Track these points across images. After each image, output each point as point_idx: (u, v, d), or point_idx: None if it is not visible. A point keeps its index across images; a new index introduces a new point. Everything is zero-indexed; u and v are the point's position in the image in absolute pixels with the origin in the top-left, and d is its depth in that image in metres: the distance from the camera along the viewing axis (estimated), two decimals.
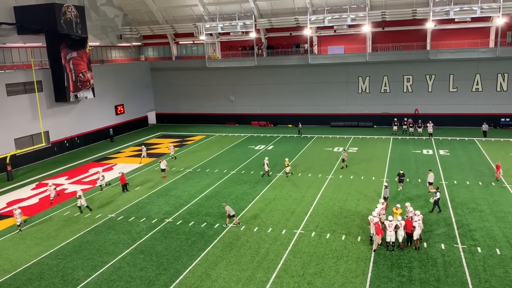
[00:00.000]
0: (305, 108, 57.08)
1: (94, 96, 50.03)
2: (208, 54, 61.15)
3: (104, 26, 57.54)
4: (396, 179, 30.75)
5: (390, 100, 53.90)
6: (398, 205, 23.45)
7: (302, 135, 50.46)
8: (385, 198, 26.73)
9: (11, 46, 43.72)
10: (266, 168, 34.55)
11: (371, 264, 20.08)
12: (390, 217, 21.62)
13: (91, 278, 20.04)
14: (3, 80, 40.68)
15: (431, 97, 52.48)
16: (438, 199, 25.62)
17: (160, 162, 36.58)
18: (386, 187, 27.23)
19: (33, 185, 35.86)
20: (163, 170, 35.78)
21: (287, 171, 34.30)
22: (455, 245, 21.64)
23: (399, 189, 29.83)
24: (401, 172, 30.48)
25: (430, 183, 29.49)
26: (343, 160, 36.35)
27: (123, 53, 63.21)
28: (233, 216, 24.95)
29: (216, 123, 61.30)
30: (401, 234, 21.20)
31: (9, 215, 28.75)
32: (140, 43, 65.39)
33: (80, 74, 47.58)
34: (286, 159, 35.46)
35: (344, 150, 39.15)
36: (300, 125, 51.82)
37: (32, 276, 20.49)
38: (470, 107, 51.53)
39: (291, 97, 57.54)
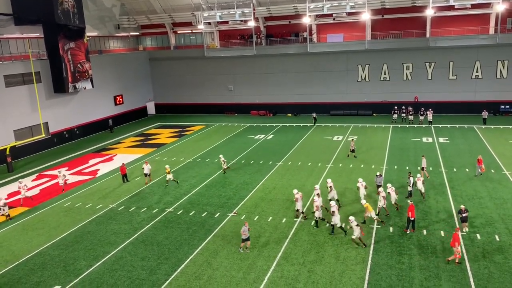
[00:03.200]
0: (304, 97, 56.89)
1: (92, 87, 49.87)
2: (206, 43, 60.85)
3: (102, 16, 57.14)
4: (460, 216, 22.01)
5: (390, 88, 53.77)
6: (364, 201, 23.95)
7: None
8: (378, 186, 26.78)
9: (8, 37, 43.47)
10: (224, 166, 33.28)
11: (371, 252, 20.21)
12: (332, 202, 22.68)
13: (93, 268, 20.18)
14: (1, 71, 40.48)
15: (431, 84, 52.33)
16: (412, 184, 26.22)
17: (143, 167, 32.22)
18: (379, 175, 27.21)
19: (34, 176, 35.90)
20: (146, 175, 31.89)
21: (167, 179, 30.86)
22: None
23: (464, 230, 21.75)
24: (463, 207, 21.88)
25: (423, 168, 30.19)
26: (352, 151, 35.91)
27: (121, 43, 62.88)
28: (247, 240, 20.84)
29: (215, 113, 61.18)
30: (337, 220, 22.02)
31: (11, 206, 28.82)
32: (138, 33, 65.00)
33: (79, 65, 47.39)
34: (167, 166, 31.93)
35: (353, 139, 37.93)
36: (315, 114, 51.41)
37: (34, 267, 20.63)
38: (469, 94, 51.42)
39: (290, 86, 57.36)
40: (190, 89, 61.95)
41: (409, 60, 52.61)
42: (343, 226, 22.25)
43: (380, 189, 24.92)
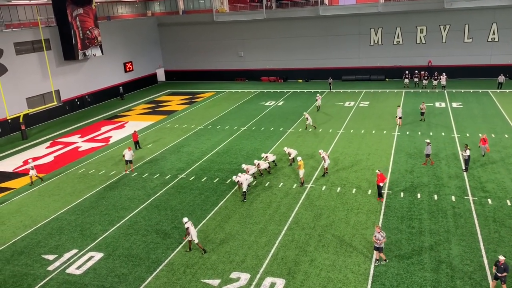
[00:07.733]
0: (316, 62, 56.08)
1: (102, 54, 49.68)
2: (215, 7, 59.73)
3: None
4: (494, 270, 15.08)
5: (403, 52, 52.63)
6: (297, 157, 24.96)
7: (335, 91, 49.36)
8: (427, 156, 26.02)
9: (16, 3, 43.09)
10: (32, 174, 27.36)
11: (381, 217, 20.39)
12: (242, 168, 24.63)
13: (108, 232, 20.72)
14: (11, 39, 40.40)
15: (445, 48, 51.08)
16: (468, 156, 24.54)
17: (124, 153, 28.27)
18: (428, 143, 25.94)
19: (48, 144, 36.42)
20: (128, 161, 28.15)
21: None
22: (465, 197, 21.79)
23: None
24: (502, 259, 14.76)
25: (400, 118, 33.91)
26: (422, 113, 35.26)
27: (129, 9, 62.05)
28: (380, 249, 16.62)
29: (225, 79, 60.78)
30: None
31: (25, 173, 29.41)
32: None
33: (88, 31, 47.05)
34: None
35: (423, 102, 36.71)
36: (331, 80, 50.72)
37: (52, 231, 21.25)
38: (485, 58, 50.17)
39: (302, 51, 56.46)
40: (199, 55, 61.35)
41: (423, 23, 51.19)
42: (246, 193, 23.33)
43: (321, 150, 26.19)
